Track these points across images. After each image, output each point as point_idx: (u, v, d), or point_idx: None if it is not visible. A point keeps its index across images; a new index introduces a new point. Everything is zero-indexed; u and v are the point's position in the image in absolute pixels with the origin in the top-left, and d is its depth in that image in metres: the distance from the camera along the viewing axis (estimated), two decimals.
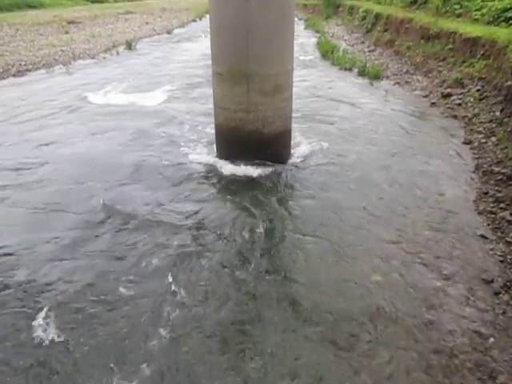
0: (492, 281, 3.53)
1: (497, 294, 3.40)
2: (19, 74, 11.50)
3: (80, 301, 3.37)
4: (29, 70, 11.89)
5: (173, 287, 3.49)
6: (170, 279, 3.57)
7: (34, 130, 7.14)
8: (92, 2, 38.05)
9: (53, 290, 3.49)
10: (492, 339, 2.98)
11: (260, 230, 4.27)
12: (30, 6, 28.99)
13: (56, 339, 3.01)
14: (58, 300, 3.36)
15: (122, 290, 3.48)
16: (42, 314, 3.22)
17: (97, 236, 4.21)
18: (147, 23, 24.27)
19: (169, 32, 21.33)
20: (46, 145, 6.49)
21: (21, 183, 5.30)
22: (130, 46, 15.95)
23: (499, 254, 3.87)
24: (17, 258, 3.89)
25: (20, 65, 12.23)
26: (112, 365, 2.83)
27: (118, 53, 14.99)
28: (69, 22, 21.38)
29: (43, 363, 2.86)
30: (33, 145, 6.49)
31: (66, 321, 3.17)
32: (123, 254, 3.92)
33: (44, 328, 3.10)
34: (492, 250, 3.94)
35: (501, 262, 3.77)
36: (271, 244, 4.07)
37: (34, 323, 3.16)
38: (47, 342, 3.00)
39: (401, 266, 3.72)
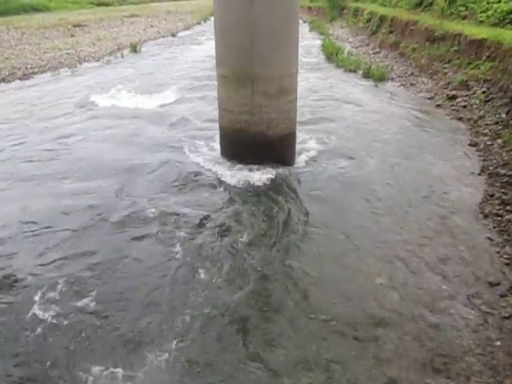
0: (498, 284, 3.51)
1: (503, 296, 3.38)
2: (25, 77, 11.57)
3: (101, 277, 3.62)
4: (35, 73, 11.96)
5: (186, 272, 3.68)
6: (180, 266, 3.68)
7: (39, 132, 7.18)
8: (97, 5, 38.24)
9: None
10: (498, 342, 2.95)
11: (266, 228, 4.28)
12: (36, 10, 29.18)
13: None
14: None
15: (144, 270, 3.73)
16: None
17: (112, 224, 4.42)
18: (152, 26, 24.37)
19: (173, 35, 21.42)
20: (57, 148, 6.53)
21: (39, 175, 5.57)
22: (134, 48, 16.03)
23: (505, 256, 3.84)
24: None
25: (26, 68, 12.31)
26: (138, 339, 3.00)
27: (122, 55, 15.06)
28: (74, 26, 21.51)
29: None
30: (41, 150, 6.53)
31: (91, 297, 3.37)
32: (136, 236, 4.20)
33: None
34: (498, 252, 3.92)
35: (507, 264, 3.74)
36: (279, 241, 4.06)
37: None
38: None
39: (405, 269, 3.70)
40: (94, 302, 3.32)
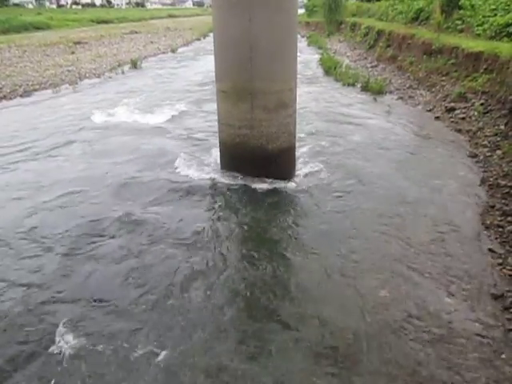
0: (501, 296, 3.47)
1: (507, 309, 3.34)
2: (26, 94, 11.64)
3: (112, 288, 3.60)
4: (36, 90, 12.04)
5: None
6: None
7: (40, 148, 7.20)
8: (98, 22, 38.80)
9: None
10: (503, 355, 2.92)
11: (262, 242, 4.25)
12: (37, 28, 29.61)
13: None
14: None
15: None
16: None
17: (112, 237, 4.42)
18: (152, 42, 24.64)
19: (173, 51, 21.64)
20: (58, 167, 6.52)
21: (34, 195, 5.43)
22: (135, 64, 16.17)
23: (508, 268, 3.81)
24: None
25: (27, 85, 12.40)
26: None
27: (123, 72, 15.16)
28: (75, 43, 21.74)
29: None
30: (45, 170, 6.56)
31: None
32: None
33: None
34: (501, 264, 3.89)
35: (510, 276, 3.71)
36: (275, 256, 4.04)
37: None
38: None
39: (408, 282, 3.67)
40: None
